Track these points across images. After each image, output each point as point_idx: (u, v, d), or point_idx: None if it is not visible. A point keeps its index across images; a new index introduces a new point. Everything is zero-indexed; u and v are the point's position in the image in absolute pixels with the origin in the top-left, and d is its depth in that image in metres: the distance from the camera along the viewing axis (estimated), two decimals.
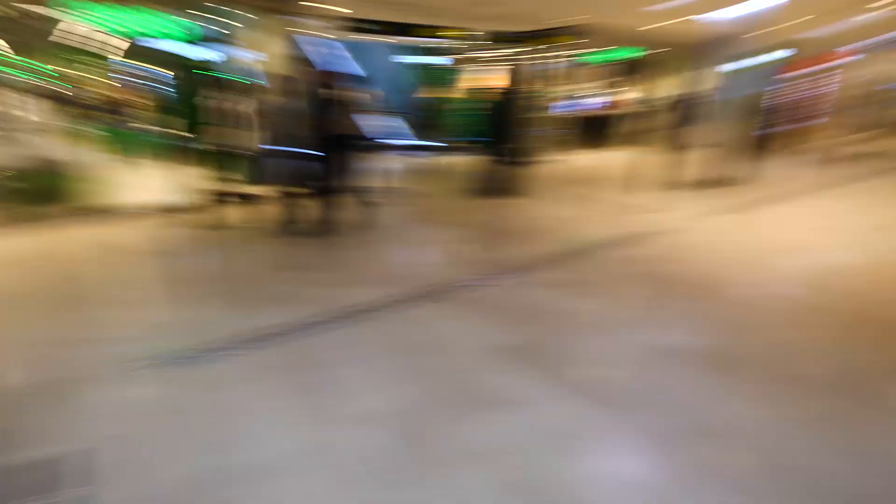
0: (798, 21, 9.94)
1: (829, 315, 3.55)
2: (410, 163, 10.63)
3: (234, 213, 5.70)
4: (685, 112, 8.36)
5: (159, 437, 2.25)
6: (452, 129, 9.72)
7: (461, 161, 9.67)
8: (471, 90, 10.13)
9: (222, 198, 5.58)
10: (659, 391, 2.62)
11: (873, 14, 9.32)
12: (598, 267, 4.47)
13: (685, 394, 2.60)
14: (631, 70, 14.53)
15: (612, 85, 14.42)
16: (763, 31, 8.42)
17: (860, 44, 13.52)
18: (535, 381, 2.70)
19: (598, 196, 7.42)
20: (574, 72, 12.00)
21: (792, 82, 15.38)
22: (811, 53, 15.64)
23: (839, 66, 18.14)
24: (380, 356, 2.96)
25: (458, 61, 13.68)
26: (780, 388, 2.66)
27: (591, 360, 2.94)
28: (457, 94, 10.39)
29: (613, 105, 14.06)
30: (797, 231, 5.72)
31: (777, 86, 13.66)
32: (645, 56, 14.13)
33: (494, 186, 8.22)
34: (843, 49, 16.13)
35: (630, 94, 14.52)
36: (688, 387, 2.66)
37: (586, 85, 13.67)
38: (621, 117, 14.11)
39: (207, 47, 7.52)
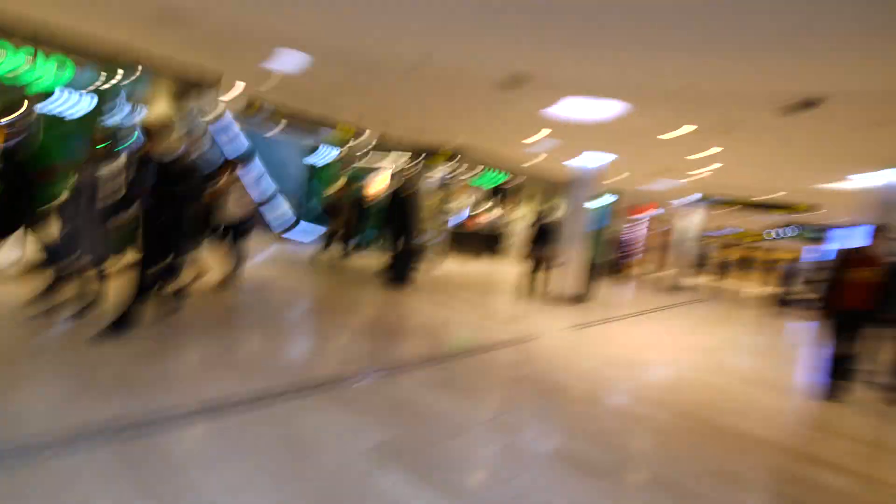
0: (622, 177, 12.14)
1: (653, 422, 4.00)
2: (291, 251, 10.32)
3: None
4: (544, 234, 9.44)
5: None
6: (340, 222, 9.81)
7: (341, 253, 9.66)
8: (361, 188, 10.46)
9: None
10: (520, 491, 2.67)
11: (682, 180, 11.78)
12: (468, 368, 4.60)
13: (541, 490, 2.68)
14: (503, 192, 16.21)
15: (486, 202, 15.88)
16: (603, 180, 10.09)
17: (677, 201, 16.62)
18: (402, 481, 2.59)
19: (470, 300, 7.83)
20: (454, 187, 13.04)
21: (623, 223, 18.30)
22: (636, 203, 18.91)
23: (658, 216, 22.10)
24: (240, 456, 2.64)
25: (347, 160, 14.17)
26: (621, 485, 2.87)
27: (456, 461, 2.92)
28: (347, 191, 10.62)
29: (484, 220, 15.37)
30: (631, 347, 6.51)
31: (612, 224, 16.13)
32: (510, 182, 15.91)
33: (384, 276, 8.45)
34: (659, 202, 19.77)
35: (499, 213, 16.07)
36: (546, 484, 2.75)
37: (465, 200, 14.88)
38: (493, 233, 15.43)
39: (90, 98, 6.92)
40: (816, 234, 15.86)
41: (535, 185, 15.89)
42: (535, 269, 9.55)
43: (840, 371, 4.99)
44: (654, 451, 3.51)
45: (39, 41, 5.95)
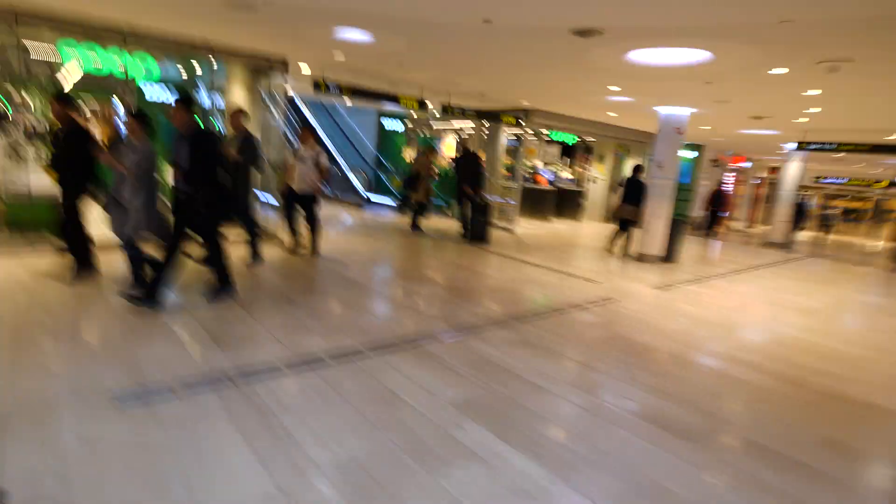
0: (707, 129, 11.19)
1: (749, 386, 3.78)
2: (370, 217, 10.68)
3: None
4: (633, 192, 9.04)
5: (113, 473, 2.02)
6: (417, 188, 10.04)
7: (422, 219, 9.87)
8: (433, 155, 10.56)
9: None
10: (609, 452, 2.65)
11: (773, 130, 10.67)
12: (549, 328, 4.58)
13: (632, 453, 2.64)
14: (578, 151, 15.62)
15: (562, 163, 15.40)
16: (687, 133, 9.37)
17: (779, 148, 15.19)
18: (489, 438, 2.66)
19: (549, 260, 7.72)
20: (528, 149, 12.73)
21: (712, 177, 17.00)
22: (725, 155, 17.46)
23: (750, 168, 20.32)
24: (331, 406, 2.84)
25: (417, 128, 14.26)
26: (717, 451, 2.76)
27: (538, 418, 2.95)
28: (420, 157, 10.78)
29: (565, 181, 14.94)
30: (724, 308, 6.14)
31: (698, 179, 15.04)
32: (589, 142, 15.25)
33: (461, 237, 8.87)
34: (747, 154, 18.12)
35: (580, 173, 15.53)
36: (636, 448, 2.71)
37: (539, 161, 14.50)
38: (573, 193, 14.99)
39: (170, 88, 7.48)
40: None
41: (612, 143, 15.12)
42: (622, 229, 9.22)
43: None
44: (750, 415, 3.33)
45: (126, 41, 6.47)
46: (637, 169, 9.23)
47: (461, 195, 9.57)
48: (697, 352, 4.46)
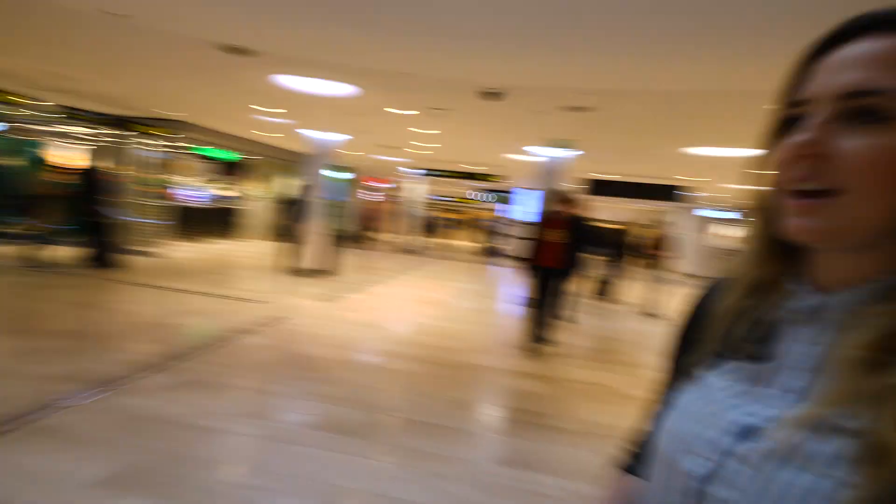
0: (357, 154, 12.62)
1: (403, 374, 4.45)
2: None
3: None
4: (294, 210, 9.16)
5: None
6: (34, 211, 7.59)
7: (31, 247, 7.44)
8: (48, 168, 8.20)
9: None
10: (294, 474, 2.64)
11: (403, 158, 12.87)
12: (214, 361, 4.20)
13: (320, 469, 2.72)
14: (241, 169, 14.84)
15: (223, 181, 14.31)
16: (340, 156, 10.24)
17: (407, 171, 17.98)
18: None
19: (207, 284, 7.04)
20: (176, 163, 11.31)
21: (362, 195, 19.03)
22: (372, 176, 19.86)
23: (391, 187, 23.66)
24: None
25: (25, 132, 10.80)
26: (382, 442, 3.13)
27: (212, 465, 2.71)
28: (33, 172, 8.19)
29: (226, 199, 13.90)
30: (379, 310, 6.95)
31: (351, 196, 16.60)
32: (244, 159, 14.72)
33: (98, 262, 7.14)
34: (388, 176, 21.16)
35: (242, 190, 14.74)
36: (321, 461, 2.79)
37: (198, 178, 13.08)
38: (235, 212, 14.06)
39: None
40: (506, 196, 19.57)
41: (272, 162, 15.08)
42: (285, 246, 9.25)
43: (539, 317, 5.37)
44: (404, 397, 3.89)
45: None
46: (301, 188, 9.52)
47: (85, 216, 7.75)
48: (361, 353, 4.92)
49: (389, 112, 7.23)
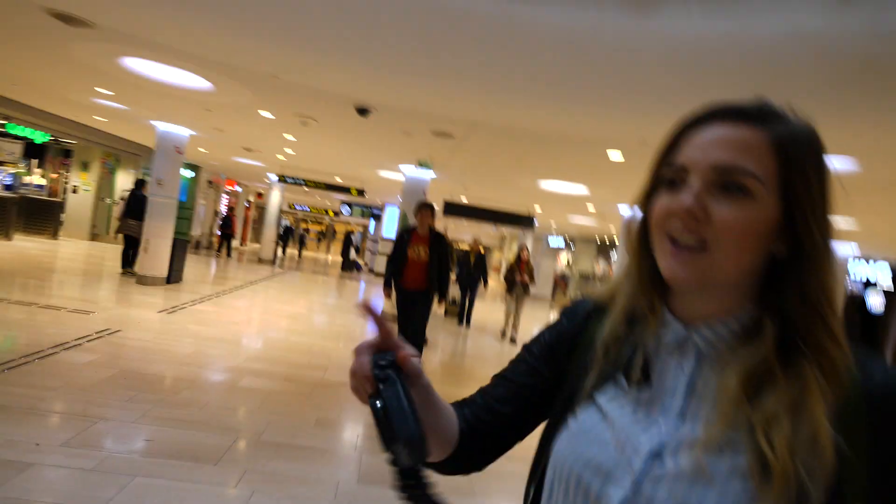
0: (205, 152, 11.57)
1: (257, 392, 4.19)
2: None
3: None
4: (134, 207, 8.01)
5: None
6: None
7: None
8: None
9: None
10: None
11: (258, 162, 12.11)
12: (26, 381, 3.49)
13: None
14: (51, 153, 12.49)
15: (29, 166, 11.88)
16: (186, 153, 9.27)
17: (271, 177, 16.82)
18: None
19: (27, 292, 5.78)
20: None
21: (212, 198, 17.36)
22: (223, 178, 18.26)
23: (244, 192, 21.96)
24: None
25: None
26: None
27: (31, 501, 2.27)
28: None
29: (33, 188, 11.54)
30: (230, 323, 6.41)
31: (197, 198, 15.06)
32: (67, 143, 12.49)
33: None
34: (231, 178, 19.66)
35: (56, 180, 12.38)
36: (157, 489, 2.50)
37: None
38: (48, 204, 11.73)
39: None
40: (368, 211, 19.47)
41: (99, 150, 13.01)
42: (126, 248, 8.04)
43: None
44: (262, 418, 3.66)
45: None
46: (139, 184, 8.40)
47: None
48: (210, 371, 4.51)
49: (246, 113, 6.81)
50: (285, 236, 24.57)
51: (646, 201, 0.61)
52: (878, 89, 3.11)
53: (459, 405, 0.71)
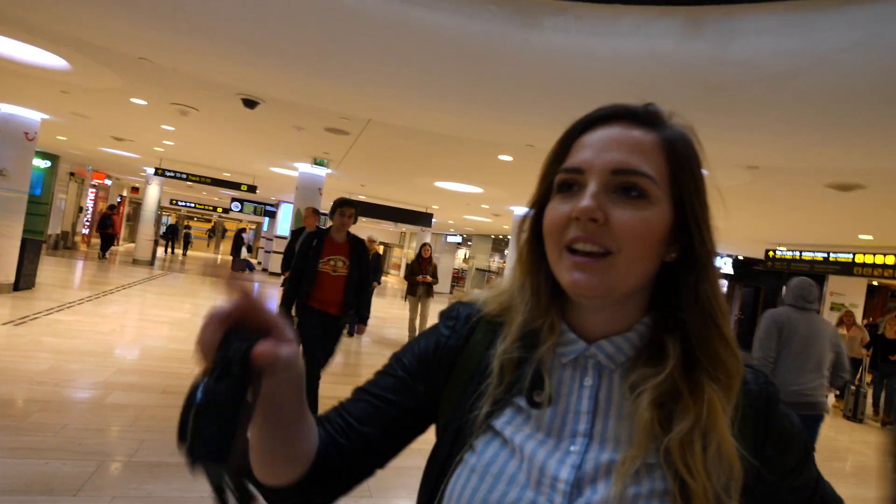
0: (63, 139, 10.12)
1: (130, 409, 3.76)
2: None
3: None
4: None
5: None
6: None
7: None
8: None
9: None
10: None
11: (132, 153, 10.86)
12: None
13: None
14: None
15: None
16: (36, 139, 8.01)
17: (148, 170, 15.11)
18: None
19: None
20: None
21: (73, 192, 15.17)
22: (84, 169, 16.08)
23: (112, 186, 19.53)
24: None
25: None
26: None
27: None
28: None
29: None
30: (98, 333, 5.65)
31: (52, 192, 13.13)
32: None
33: None
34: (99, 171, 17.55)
35: None
36: None
37: None
38: None
39: None
40: (262, 208, 18.32)
41: None
42: None
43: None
44: (136, 436, 3.28)
45: None
46: None
47: None
48: (72, 388, 3.95)
49: (114, 99, 6.07)
50: (169, 235, 22.36)
51: (537, 211, 0.56)
52: (724, 110, 3.57)
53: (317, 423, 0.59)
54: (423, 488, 0.57)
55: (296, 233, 4.88)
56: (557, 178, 0.53)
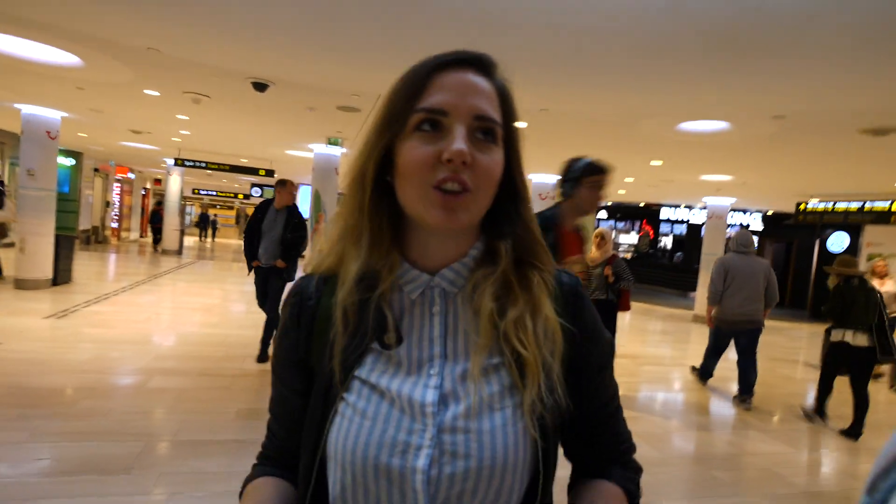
0: (85, 136, 10.33)
1: (172, 392, 3.93)
2: None
3: None
4: None
5: None
6: None
7: None
8: None
9: None
10: None
11: (151, 146, 11.04)
12: None
13: None
14: None
15: None
16: (61, 137, 8.21)
17: (168, 162, 15.33)
18: None
19: None
20: None
21: (101, 187, 15.59)
22: (108, 165, 16.45)
23: (135, 179, 19.97)
24: None
25: None
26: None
27: None
28: None
29: None
30: (135, 322, 5.89)
31: (80, 188, 13.50)
32: None
33: None
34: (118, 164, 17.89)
35: None
36: None
37: None
38: None
39: None
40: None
41: None
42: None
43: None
44: (178, 418, 3.44)
45: None
46: None
47: None
48: (112, 375, 4.14)
49: (127, 92, 6.14)
50: (201, 223, 23.31)
51: (381, 151, 0.57)
52: (745, 56, 3.41)
53: (262, 465, 0.67)
54: (306, 446, 0.59)
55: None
56: (416, 117, 0.55)
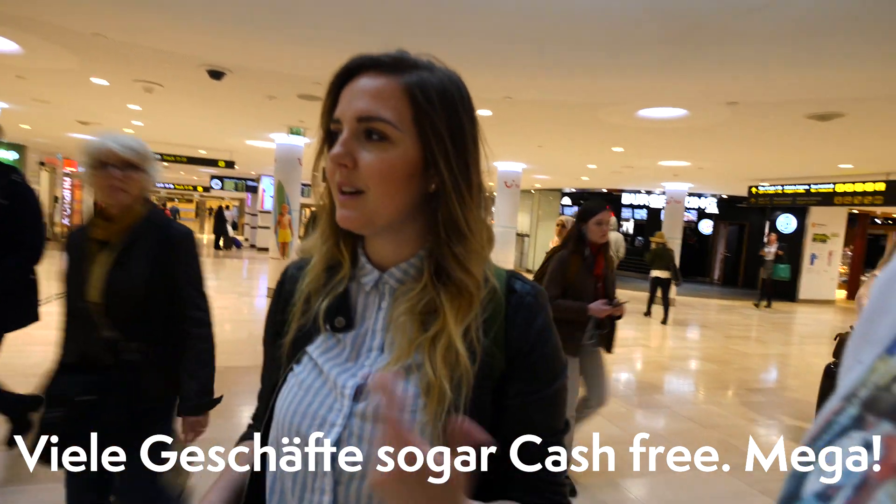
0: (27, 127, 9.74)
1: None
2: None
3: None
4: None
5: None
6: None
7: None
8: None
9: None
10: None
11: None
12: None
13: None
14: None
15: None
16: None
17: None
18: None
19: None
20: None
21: (46, 180, 14.73)
22: (55, 158, 15.58)
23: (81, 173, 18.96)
24: None
25: None
26: None
27: None
28: None
29: None
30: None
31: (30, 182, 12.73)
32: None
33: None
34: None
35: None
36: None
37: None
38: None
39: None
40: (243, 183, 17.97)
41: None
42: None
43: None
44: None
45: None
46: None
47: None
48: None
49: (73, 81, 5.81)
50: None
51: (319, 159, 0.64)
52: (699, 46, 3.50)
53: (252, 426, 0.74)
54: (261, 404, 0.70)
55: None
56: (326, 128, 0.61)
